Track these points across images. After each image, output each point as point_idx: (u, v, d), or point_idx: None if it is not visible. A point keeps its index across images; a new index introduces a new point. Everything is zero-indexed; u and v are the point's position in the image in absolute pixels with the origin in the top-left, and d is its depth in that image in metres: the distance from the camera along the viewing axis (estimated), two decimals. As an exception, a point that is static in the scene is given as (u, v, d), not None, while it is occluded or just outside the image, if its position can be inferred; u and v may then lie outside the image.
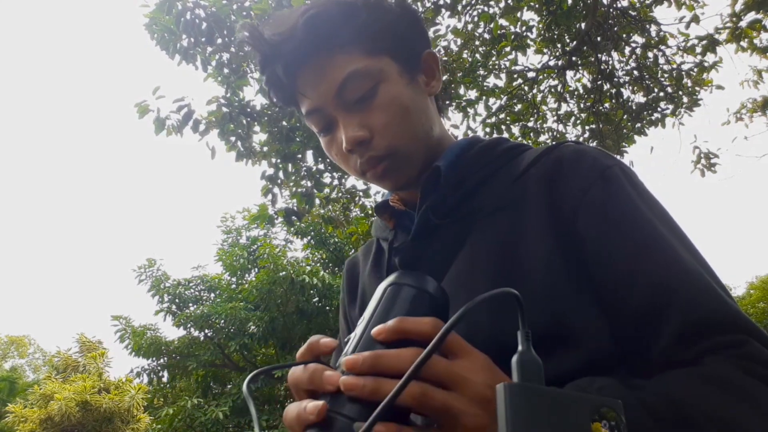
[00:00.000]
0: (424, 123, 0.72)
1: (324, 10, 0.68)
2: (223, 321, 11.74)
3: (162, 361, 12.34)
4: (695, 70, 4.65)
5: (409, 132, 0.70)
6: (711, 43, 4.34)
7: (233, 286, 13.13)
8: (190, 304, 12.40)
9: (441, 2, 4.14)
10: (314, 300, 11.82)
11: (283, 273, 11.09)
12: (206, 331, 12.07)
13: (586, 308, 0.60)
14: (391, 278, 0.53)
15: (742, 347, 0.53)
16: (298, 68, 0.69)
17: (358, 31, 0.69)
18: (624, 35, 4.68)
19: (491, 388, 0.45)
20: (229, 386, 12.73)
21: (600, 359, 0.58)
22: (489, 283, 0.62)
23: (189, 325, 11.89)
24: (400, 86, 0.70)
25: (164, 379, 12.64)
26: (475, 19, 4.48)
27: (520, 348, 0.42)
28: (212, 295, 12.91)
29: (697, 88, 4.78)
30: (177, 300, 12.21)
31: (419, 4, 4.35)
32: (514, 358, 0.42)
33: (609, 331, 0.60)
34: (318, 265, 12.40)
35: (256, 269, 12.86)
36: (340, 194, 4.80)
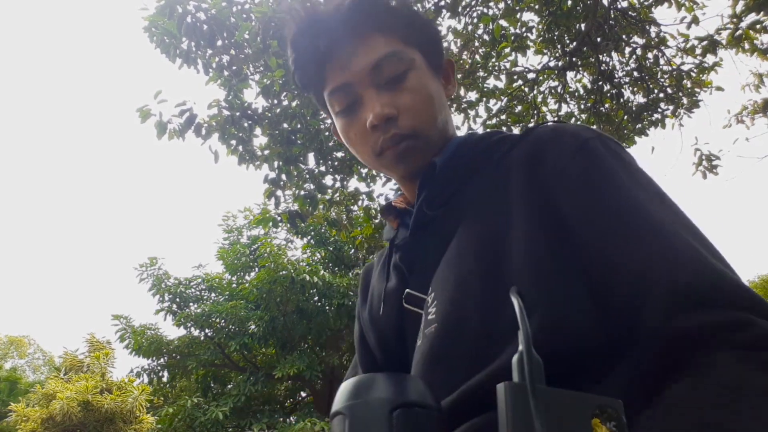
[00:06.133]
0: (443, 115, 0.76)
1: None
2: (223, 320, 11.73)
3: (162, 360, 12.33)
4: (695, 71, 4.65)
5: (432, 118, 0.74)
6: (711, 44, 4.33)
7: (234, 285, 13.12)
8: (191, 304, 12.39)
9: (442, 3, 4.14)
10: (314, 299, 11.81)
11: (284, 272, 11.07)
12: (206, 330, 12.05)
13: (573, 291, 0.57)
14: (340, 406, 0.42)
15: (746, 330, 0.46)
16: (340, 42, 0.72)
17: (399, 20, 0.74)
18: (624, 36, 4.67)
19: None
20: (229, 386, 12.71)
21: (590, 345, 0.54)
22: (474, 267, 0.63)
23: (189, 325, 11.87)
24: (428, 76, 0.75)
25: (164, 379, 12.63)
26: (475, 20, 4.48)
27: (520, 347, 0.43)
28: (213, 294, 12.90)
29: (696, 90, 4.77)
30: (177, 299, 12.20)
31: (420, 5, 4.36)
32: (515, 358, 0.43)
33: (599, 314, 0.55)
34: (318, 264, 12.39)
35: (257, 268, 12.85)
36: (342, 197, 4.81)
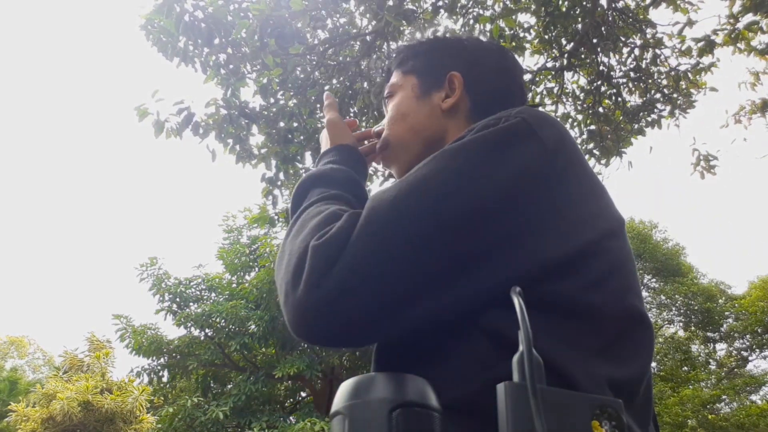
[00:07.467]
0: (419, 127, 0.89)
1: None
2: (223, 320, 11.71)
3: (162, 360, 12.30)
4: (690, 72, 4.64)
5: (402, 131, 0.91)
6: (708, 45, 4.34)
7: (234, 285, 13.10)
8: (191, 303, 12.37)
9: (440, 3, 4.14)
10: (314, 299, 11.76)
11: (284, 272, 11.03)
12: (206, 330, 12.03)
13: None
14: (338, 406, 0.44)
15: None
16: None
17: (405, 55, 0.96)
18: (622, 36, 4.67)
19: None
20: (229, 386, 12.70)
21: None
22: None
23: (189, 325, 11.85)
24: (406, 98, 0.92)
25: (164, 379, 12.62)
26: (471, 21, 4.46)
27: (521, 347, 0.42)
28: (213, 294, 12.89)
29: (692, 90, 4.77)
30: (178, 299, 12.18)
31: (418, 4, 4.35)
32: (515, 358, 0.42)
33: None
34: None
35: (257, 268, 12.84)
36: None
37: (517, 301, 0.44)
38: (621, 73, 4.83)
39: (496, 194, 0.60)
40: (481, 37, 1.01)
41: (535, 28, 4.69)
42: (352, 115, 4.46)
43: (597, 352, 0.59)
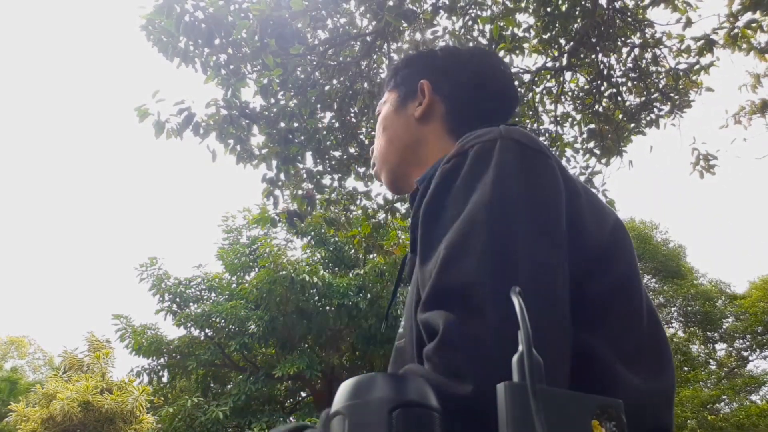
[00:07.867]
0: (394, 138, 0.92)
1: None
2: (223, 320, 11.72)
3: (162, 360, 12.32)
4: (689, 72, 4.64)
5: (382, 144, 0.94)
6: (707, 44, 4.34)
7: (234, 285, 13.11)
8: (191, 303, 12.38)
9: (440, 3, 4.14)
10: (314, 299, 11.80)
11: (284, 272, 11.06)
12: (206, 330, 12.05)
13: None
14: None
15: (434, 342, 0.55)
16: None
17: (388, 79, 1.00)
18: (621, 36, 4.67)
19: None
20: (229, 386, 12.71)
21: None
22: (413, 296, 0.72)
23: (189, 325, 11.86)
24: (387, 112, 0.95)
25: (164, 379, 12.63)
26: (469, 23, 4.45)
27: (520, 347, 0.42)
28: (213, 294, 12.89)
29: (691, 90, 4.77)
30: (177, 299, 12.19)
31: (418, 4, 4.34)
32: (515, 358, 0.42)
33: None
34: (318, 264, 12.37)
35: (257, 268, 12.84)
36: (340, 197, 4.81)
37: (516, 301, 0.44)
38: (620, 73, 4.83)
39: (551, 225, 0.61)
40: (482, 39, 1.02)
41: (535, 28, 4.69)
42: (352, 115, 4.46)
43: (632, 355, 0.63)
